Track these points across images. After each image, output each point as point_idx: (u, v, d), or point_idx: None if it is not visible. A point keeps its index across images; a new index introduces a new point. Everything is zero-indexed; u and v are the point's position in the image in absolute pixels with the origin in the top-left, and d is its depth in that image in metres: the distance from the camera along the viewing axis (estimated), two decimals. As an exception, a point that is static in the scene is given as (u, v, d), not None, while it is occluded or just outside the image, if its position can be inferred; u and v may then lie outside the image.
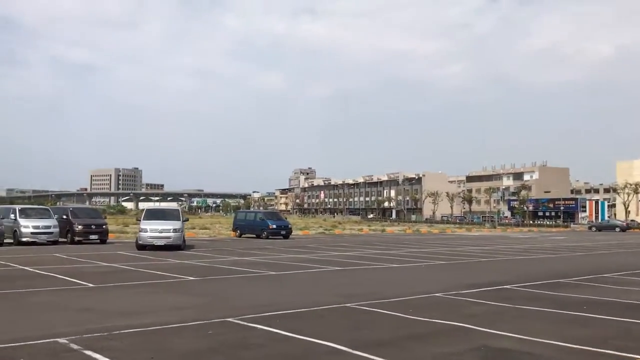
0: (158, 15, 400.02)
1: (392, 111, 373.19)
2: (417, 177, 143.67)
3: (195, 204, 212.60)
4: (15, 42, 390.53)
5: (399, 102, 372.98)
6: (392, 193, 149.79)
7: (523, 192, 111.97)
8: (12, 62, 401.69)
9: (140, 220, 24.64)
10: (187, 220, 27.76)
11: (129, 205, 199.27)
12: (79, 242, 26.69)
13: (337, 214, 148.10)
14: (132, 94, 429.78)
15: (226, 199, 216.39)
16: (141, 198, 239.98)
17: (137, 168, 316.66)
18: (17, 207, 27.62)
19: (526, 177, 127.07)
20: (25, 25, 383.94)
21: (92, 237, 27.15)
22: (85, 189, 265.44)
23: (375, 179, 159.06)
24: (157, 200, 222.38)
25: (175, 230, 23.73)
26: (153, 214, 25.20)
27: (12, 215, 26.18)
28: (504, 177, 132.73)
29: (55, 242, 25.75)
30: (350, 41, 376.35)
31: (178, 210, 27.76)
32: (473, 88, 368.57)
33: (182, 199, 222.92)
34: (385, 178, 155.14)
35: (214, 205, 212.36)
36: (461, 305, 10.57)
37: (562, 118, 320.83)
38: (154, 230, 23.48)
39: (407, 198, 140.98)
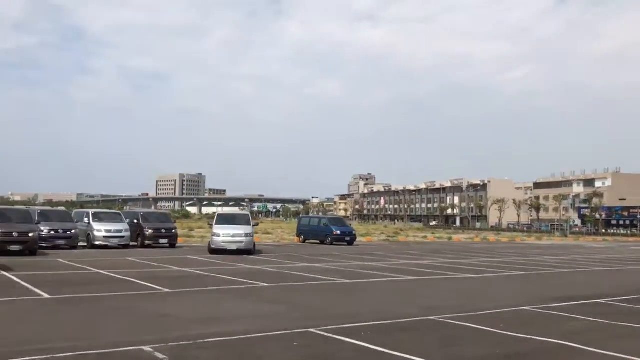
0: (222, 24, 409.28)
1: (454, 116, 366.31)
2: (482, 184, 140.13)
3: (256, 209, 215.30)
4: (84, 50, 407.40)
5: (460, 107, 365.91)
6: (456, 200, 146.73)
7: (595, 200, 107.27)
8: (82, 70, 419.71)
9: (212, 225, 24.90)
10: (256, 225, 27.90)
11: (193, 210, 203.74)
12: (149, 246, 27.11)
13: (397, 221, 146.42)
14: (195, 101, 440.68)
15: (286, 205, 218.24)
16: (204, 203, 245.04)
17: (200, 174, 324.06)
18: (91, 211, 28.31)
19: (598, 183, 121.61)
20: (94, 34, 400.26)
21: (162, 241, 27.54)
22: (147, 194, 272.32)
23: (437, 185, 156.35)
24: (219, 205, 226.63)
25: (246, 235, 23.94)
26: (225, 219, 25.41)
27: (85, 219, 26.89)
28: (573, 184, 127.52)
29: (126, 246, 26.23)
30: (410, 46, 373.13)
31: (248, 215, 27.87)
32: (538, 92, 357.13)
33: (243, 204, 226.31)
34: (448, 184, 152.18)
35: (274, 210, 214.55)
36: (556, 320, 9.83)
37: (634, 122, 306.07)
38: (226, 235, 23.74)
39: (472, 205, 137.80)
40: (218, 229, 24.07)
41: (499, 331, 8.57)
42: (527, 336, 8.22)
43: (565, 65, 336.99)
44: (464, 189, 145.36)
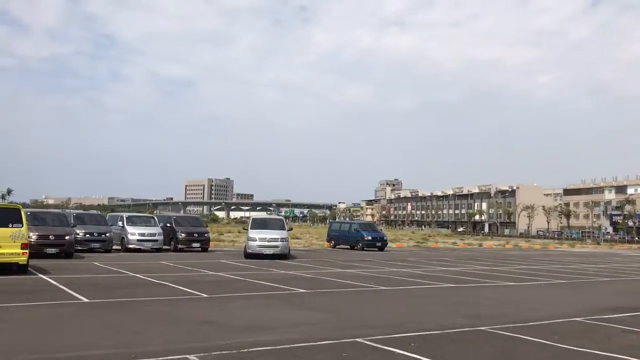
0: (249, 31, 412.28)
1: (481, 121, 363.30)
2: (510, 190, 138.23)
3: (283, 213, 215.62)
4: (116, 58, 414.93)
5: (488, 112, 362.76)
6: (484, 206, 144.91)
7: (628, 207, 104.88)
8: (114, 78, 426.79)
9: (247, 230, 24.85)
10: (291, 229, 27.87)
11: (221, 214, 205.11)
12: (182, 250, 27.14)
13: (425, 227, 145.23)
14: (223, 107, 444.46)
15: (313, 209, 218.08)
16: (232, 207, 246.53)
17: (228, 178, 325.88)
18: (125, 215, 28.47)
19: (630, 190, 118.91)
20: (126, 42, 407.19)
21: (195, 245, 27.56)
22: (171, 198, 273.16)
23: (465, 191, 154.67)
24: (246, 210, 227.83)
25: (282, 240, 24.00)
26: (260, 224, 25.37)
27: (119, 223, 27.03)
28: (605, 190, 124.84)
29: (159, 250, 26.32)
30: (438, 51, 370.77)
31: (283, 220, 27.73)
32: (567, 98, 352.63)
33: (270, 208, 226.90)
34: (476, 190, 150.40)
35: (301, 215, 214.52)
36: (611, 332, 9.38)
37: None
38: (262, 239, 23.79)
39: (500, 211, 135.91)
40: (254, 233, 24.04)
41: (556, 344, 8.18)
42: (586, 350, 7.83)
43: (595, 70, 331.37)
44: (492, 195, 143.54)
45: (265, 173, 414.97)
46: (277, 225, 25.32)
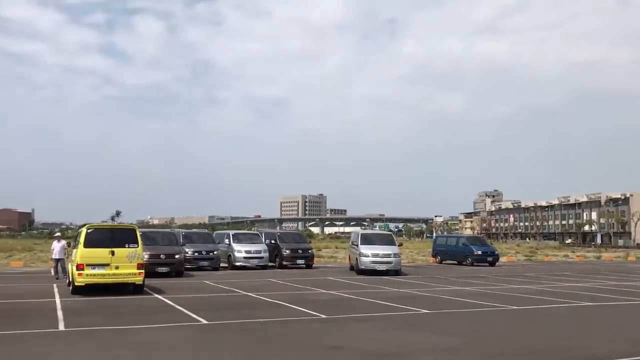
0: (338, 48, 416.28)
1: (587, 126, 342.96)
2: (622, 198, 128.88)
3: (377, 228, 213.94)
4: (213, 82, 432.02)
5: (594, 116, 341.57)
6: (594, 215, 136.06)
7: None
8: (211, 101, 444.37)
9: (355, 245, 24.28)
10: (401, 245, 26.98)
11: (315, 229, 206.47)
12: (286, 267, 26.83)
13: (529, 239, 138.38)
14: (314, 124, 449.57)
15: (408, 224, 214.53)
16: (326, 223, 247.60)
17: (322, 194, 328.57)
18: (231, 232, 28.61)
19: None
20: (221, 66, 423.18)
21: (299, 261, 27.17)
22: (259, 216, 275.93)
23: (572, 200, 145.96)
24: (340, 225, 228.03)
25: (395, 255, 23.47)
26: (370, 239, 24.76)
27: (226, 241, 27.13)
28: None
29: (264, 267, 26.12)
30: (534, 56, 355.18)
31: (391, 234, 26.92)
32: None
33: (364, 223, 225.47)
34: (584, 199, 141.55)
35: (395, 229, 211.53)
36: None
37: None
38: (375, 255, 23.22)
39: (612, 221, 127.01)
40: (366, 249, 23.46)
41: None
42: None
43: None
44: (602, 203, 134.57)
45: (358, 188, 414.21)
46: (386, 240, 24.63)
